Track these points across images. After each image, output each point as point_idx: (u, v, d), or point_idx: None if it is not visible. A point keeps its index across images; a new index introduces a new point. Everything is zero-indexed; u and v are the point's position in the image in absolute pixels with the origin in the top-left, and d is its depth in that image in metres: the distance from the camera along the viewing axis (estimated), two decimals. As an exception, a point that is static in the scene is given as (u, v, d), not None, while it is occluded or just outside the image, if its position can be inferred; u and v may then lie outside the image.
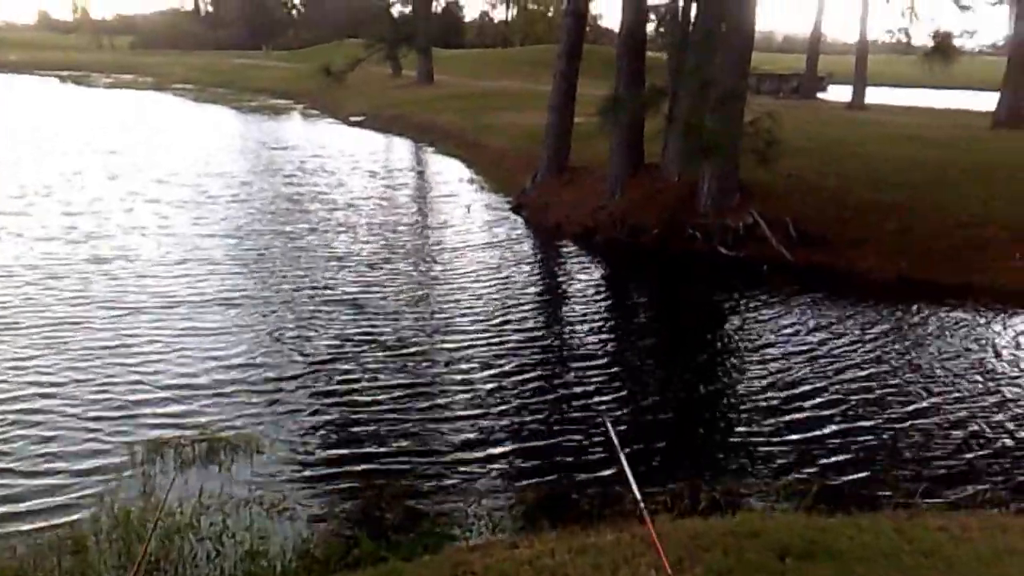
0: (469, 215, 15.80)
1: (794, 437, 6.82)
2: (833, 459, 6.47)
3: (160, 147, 22.89)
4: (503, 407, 7.23)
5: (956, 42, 16.78)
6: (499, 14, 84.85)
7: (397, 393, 7.40)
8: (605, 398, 7.54)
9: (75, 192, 15.85)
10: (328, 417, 6.95)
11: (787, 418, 7.20)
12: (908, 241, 12.40)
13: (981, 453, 6.62)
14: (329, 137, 27.32)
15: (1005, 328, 9.88)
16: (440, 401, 7.29)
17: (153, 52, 66.22)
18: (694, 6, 15.20)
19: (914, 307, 10.56)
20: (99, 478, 5.84)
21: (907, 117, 28.40)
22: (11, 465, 5.97)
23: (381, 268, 11.51)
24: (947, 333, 9.64)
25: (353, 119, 31.39)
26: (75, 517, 5.34)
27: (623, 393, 7.71)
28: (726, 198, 13.52)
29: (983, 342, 9.36)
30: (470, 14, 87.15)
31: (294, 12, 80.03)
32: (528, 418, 7.08)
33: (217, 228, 13.41)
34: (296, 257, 11.88)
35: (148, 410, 6.89)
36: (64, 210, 14.19)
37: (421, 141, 26.06)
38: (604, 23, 68.44)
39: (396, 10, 42.20)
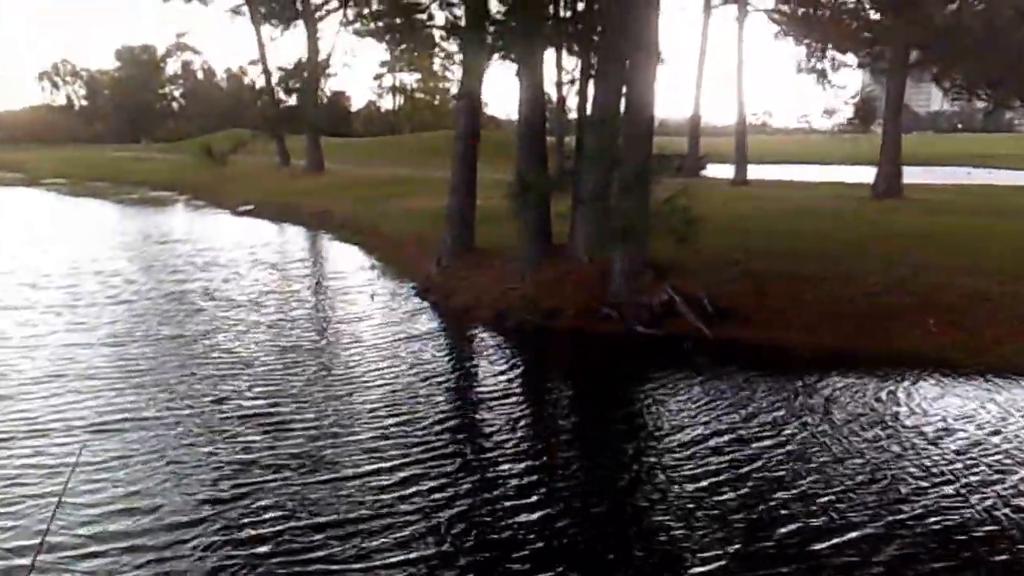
0: (373, 302, 15.09)
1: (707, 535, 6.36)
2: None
3: (30, 246, 21.34)
4: (414, 516, 6.53)
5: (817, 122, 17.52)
6: (386, 103, 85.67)
7: (310, 533, 6.44)
8: (520, 501, 6.92)
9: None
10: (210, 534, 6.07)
11: (706, 512, 6.75)
12: (823, 312, 12.38)
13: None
14: (217, 228, 26.22)
15: (927, 396, 9.79)
16: (354, 527, 6.47)
17: (24, 148, 63.40)
18: (590, 89, 15.26)
19: (835, 379, 10.38)
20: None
21: (791, 191, 29.49)
22: None
23: (282, 372, 10.47)
24: (874, 404, 9.46)
25: (241, 209, 30.36)
26: None
27: (540, 492, 7.11)
28: (639, 276, 13.29)
29: (914, 412, 9.21)
30: (357, 103, 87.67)
31: (174, 104, 78.42)
32: (441, 527, 6.37)
33: (96, 336, 11.97)
34: (187, 365, 10.67)
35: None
36: None
37: (316, 229, 25.27)
38: (490, 111, 69.93)
39: (281, 97, 42.17)
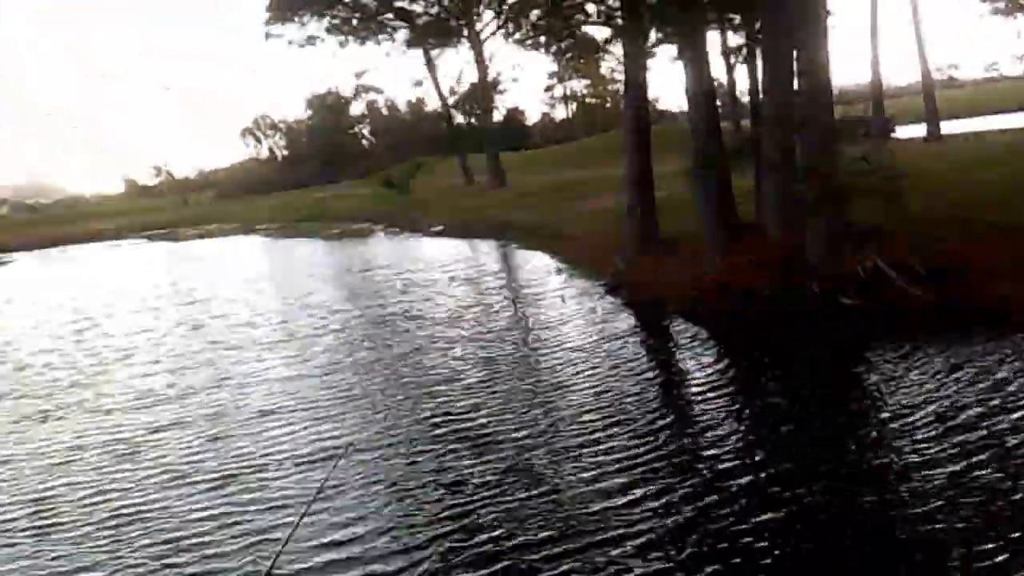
0: (564, 305, 15.06)
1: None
2: None
3: (245, 288, 22.98)
4: (644, 524, 6.27)
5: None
6: (560, 112, 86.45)
7: (543, 547, 6.33)
8: (754, 500, 6.49)
9: (156, 350, 15.51)
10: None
11: (971, 498, 6.02)
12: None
13: None
14: (412, 251, 27.19)
15: None
16: (582, 540, 6.32)
17: (235, 200, 68.98)
18: (759, 63, 14.55)
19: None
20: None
21: (990, 141, 26.85)
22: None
23: (488, 384, 10.54)
24: None
25: (433, 230, 31.42)
26: None
27: (776, 489, 6.64)
28: (838, 245, 12.42)
29: None
30: (532, 115, 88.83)
31: (364, 141, 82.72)
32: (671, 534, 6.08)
33: (309, 367, 12.50)
34: (396, 387, 10.99)
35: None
36: (145, 371, 13.67)
37: (502, 240, 25.69)
38: (661, 105, 68.94)
39: (459, 121, 43.61)
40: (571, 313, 14.32)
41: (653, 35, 16.32)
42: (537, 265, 20.31)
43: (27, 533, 7.50)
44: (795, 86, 12.89)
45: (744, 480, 6.91)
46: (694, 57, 14.88)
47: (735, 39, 16.46)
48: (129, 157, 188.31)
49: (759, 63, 14.98)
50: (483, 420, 9.17)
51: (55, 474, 9.05)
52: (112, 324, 19.08)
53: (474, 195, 37.84)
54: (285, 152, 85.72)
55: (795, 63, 12.77)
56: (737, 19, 15.79)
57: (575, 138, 72.44)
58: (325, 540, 6.63)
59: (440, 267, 22.12)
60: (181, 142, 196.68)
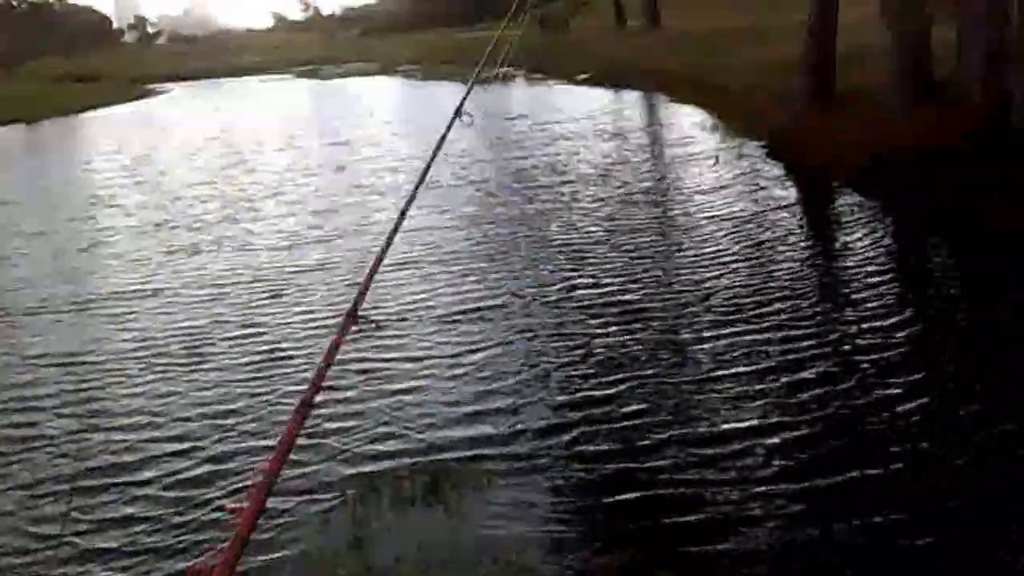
0: (718, 167, 14.03)
1: None
2: None
3: (387, 131, 22.75)
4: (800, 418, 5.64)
5: None
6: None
7: (671, 408, 5.96)
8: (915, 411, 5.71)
9: (300, 189, 15.57)
10: (581, 442, 5.67)
11: None
12: None
13: None
14: (557, 99, 26.18)
15: None
16: (725, 421, 5.78)
17: (380, 37, 68.49)
18: None
19: None
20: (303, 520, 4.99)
21: None
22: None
23: (634, 253, 9.80)
24: None
25: (580, 77, 30.07)
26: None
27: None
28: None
29: None
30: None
31: (509, -22, 79.74)
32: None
33: (449, 219, 12.04)
34: (539, 247, 10.46)
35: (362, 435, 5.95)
36: (290, 211, 13.75)
37: (653, 91, 24.25)
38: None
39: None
40: (726, 177, 13.28)
41: None
42: (691, 120, 19.05)
43: (182, 366, 7.58)
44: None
45: (901, 388, 6.04)
46: None
47: None
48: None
49: None
50: (628, 291, 8.56)
51: (205, 308, 9.16)
52: (259, 160, 19.34)
53: (626, 38, 35.87)
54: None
55: None
56: None
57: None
58: (467, 406, 6.34)
59: (586, 118, 21.12)
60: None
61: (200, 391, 6.99)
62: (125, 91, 44.65)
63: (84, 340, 8.51)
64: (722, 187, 12.67)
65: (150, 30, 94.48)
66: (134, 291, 10.01)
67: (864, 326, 7.15)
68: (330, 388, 6.17)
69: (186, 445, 6.06)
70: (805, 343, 6.85)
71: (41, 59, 63.72)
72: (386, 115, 26.86)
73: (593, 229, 11.03)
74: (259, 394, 6.82)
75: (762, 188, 12.43)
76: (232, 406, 6.63)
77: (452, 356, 7.22)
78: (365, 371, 6.92)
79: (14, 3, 71.51)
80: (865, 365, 6.40)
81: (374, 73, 45.21)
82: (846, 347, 6.80)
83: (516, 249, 10.46)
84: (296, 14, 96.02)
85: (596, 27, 42.52)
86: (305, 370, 7.02)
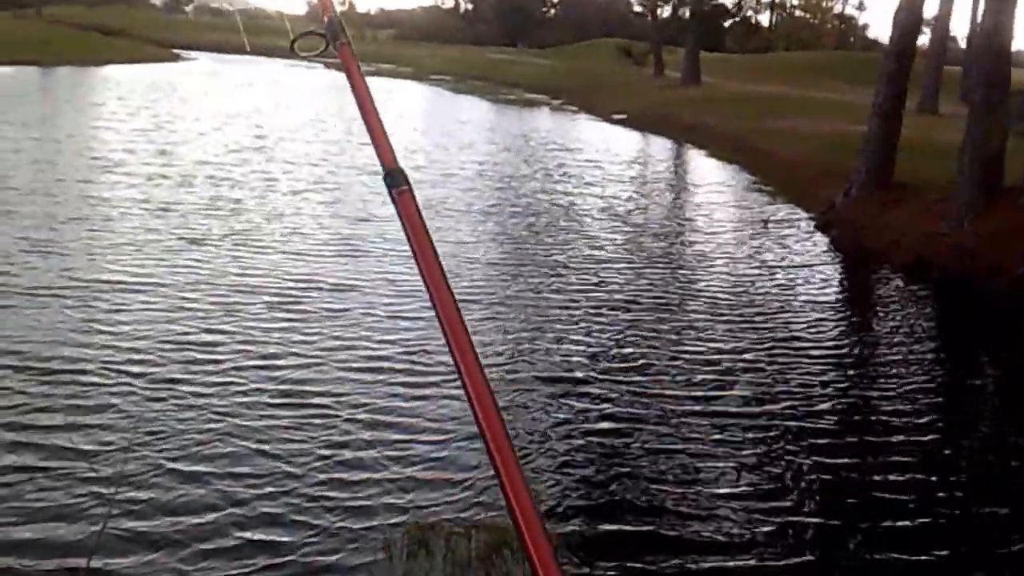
0: (766, 230, 13.50)
1: None
2: None
3: (417, 135, 22.14)
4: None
5: None
6: (762, 18, 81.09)
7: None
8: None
9: (330, 195, 14.69)
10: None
11: None
12: None
13: None
14: (597, 136, 25.49)
15: None
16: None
17: (412, 44, 68.27)
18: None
19: None
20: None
21: None
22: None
23: (675, 315, 8.97)
24: None
25: (615, 118, 29.65)
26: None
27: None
28: None
29: None
30: (730, 18, 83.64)
31: (552, 11, 79.96)
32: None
33: (488, 253, 11.10)
34: (574, 301, 9.35)
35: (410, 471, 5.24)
36: (317, 211, 12.91)
37: (693, 144, 23.83)
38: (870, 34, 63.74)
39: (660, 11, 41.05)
40: (773, 244, 12.71)
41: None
42: (734, 180, 18.56)
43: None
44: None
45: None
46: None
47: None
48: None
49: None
50: (653, 360, 7.92)
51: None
52: (280, 150, 18.33)
53: (663, 89, 35.57)
54: (470, 6, 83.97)
55: None
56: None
57: (772, 49, 68.03)
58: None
59: (630, 161, 20.60)
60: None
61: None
62: (149, 52, 43.99)
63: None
64: (768, 251, 12.15)
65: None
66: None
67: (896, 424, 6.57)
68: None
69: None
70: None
71: (63, 5, 62.77)
72: (416, 121, 26.15)
73: (640, 290, 9.88)
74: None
75: (811, 261, 11.91)
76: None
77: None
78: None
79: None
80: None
81: (406, 78, 44.75)
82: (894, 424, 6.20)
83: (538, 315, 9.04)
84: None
85: (632, 74, 42.51)
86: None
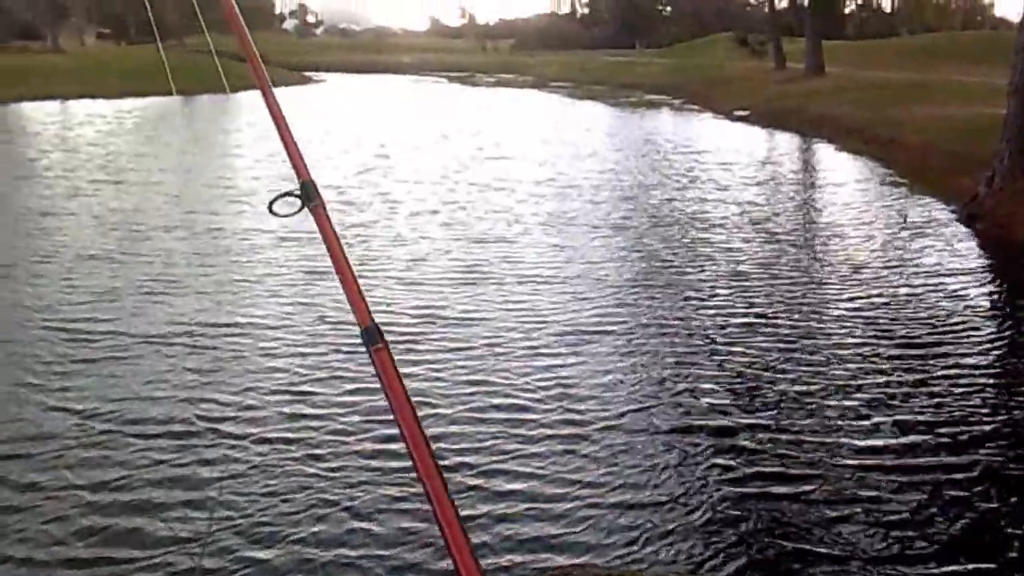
0: (905, 224, 13.11)
1: None
2: None
3: (540, 145, 22.50)
4: None
5: None
6: (884, 2, 77.97)
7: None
8: None
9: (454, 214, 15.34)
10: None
11: None
12: None
13: None
14: (724, 136, 25.13)
15: None
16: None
17: (532, 53, 69.07)
18: None
19: None
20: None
21: None
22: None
23: (835, 336, 8.44)
24: None
25: (737, 114, 29.29)
26: None
27: None
28: None
29: None
30: (850, 4, 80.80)
31: (667, 9, 79.29)
32: None
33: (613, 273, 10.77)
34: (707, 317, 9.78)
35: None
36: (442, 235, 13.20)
37: (819, 138, 23.31)
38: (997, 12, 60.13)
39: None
40: (920, 247, 11.91)
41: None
42: (867, 174, 18.05)
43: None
44: None
45: None
46: None
47: None
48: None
49: None
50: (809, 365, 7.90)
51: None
52: (407, 167, 18.81)
53: (786, 82, 34.82)
54: (585, 10, 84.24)
55: None
56: None
57: (896, 34, 65.28)
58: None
59: (759, 162, 20.25)
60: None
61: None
62: (285, 76, 46.28)
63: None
64: (915, 251, 11.74)
65: (310, 19, 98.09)
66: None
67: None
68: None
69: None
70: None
71: (199, 35, 66.20)
72: (544, 133, 26.34)
73: (786, 310, 9.39)
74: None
75: (958, 256, 11.45)
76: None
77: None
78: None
79: (187, -21, 75.16)
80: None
81: (527, 87, 45.44)
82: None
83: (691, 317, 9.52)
84: (453, 19, 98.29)
85: (752, 67, 41.73)
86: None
